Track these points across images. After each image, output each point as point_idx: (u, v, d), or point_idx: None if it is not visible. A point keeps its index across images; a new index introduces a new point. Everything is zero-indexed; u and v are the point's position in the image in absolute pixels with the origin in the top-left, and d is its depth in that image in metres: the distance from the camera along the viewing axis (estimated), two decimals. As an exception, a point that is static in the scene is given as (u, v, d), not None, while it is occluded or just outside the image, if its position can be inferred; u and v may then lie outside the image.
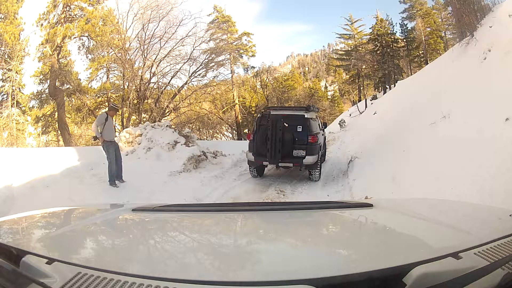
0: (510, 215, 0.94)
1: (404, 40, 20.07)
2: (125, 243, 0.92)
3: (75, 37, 15.69)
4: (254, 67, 20.48)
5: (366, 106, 19.12)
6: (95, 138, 5.38)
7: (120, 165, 5.45)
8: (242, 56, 19.63)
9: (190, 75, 16.26)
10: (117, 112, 6.39)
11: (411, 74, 17.68)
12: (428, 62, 17.49)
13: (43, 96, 16.33)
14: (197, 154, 7.35)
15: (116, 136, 5.44)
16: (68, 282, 0.56)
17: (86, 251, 0.85)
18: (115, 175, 5.31)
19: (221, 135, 19.97)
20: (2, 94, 14.93)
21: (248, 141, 6.66)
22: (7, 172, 5.30)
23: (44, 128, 16.92)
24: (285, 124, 5.91)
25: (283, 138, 5.86)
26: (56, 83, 15.70)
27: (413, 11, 19.40)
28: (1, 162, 5.96)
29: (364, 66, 20.74)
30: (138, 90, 14.90)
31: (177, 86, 16.56)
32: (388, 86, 19.70)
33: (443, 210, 1.24)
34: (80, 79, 16.40)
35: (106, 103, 16.47)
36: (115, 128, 5.31)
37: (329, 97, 24.56)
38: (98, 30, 15.36)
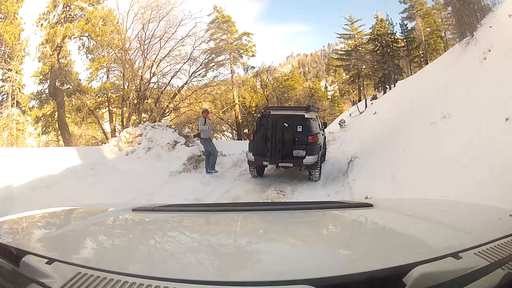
0: (510, 215, 0.94)
1: (404, 40, 20.04)
2: (125, 243, 0.92)
3: (75, 37, 15.70)
4: (254, 67, 20.43)
5: (366, 106, 19.10)
6: (198, 135, 6.71)
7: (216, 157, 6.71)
8: (242, 56, 19.61)
9: (190, 75, 16.27)
10: (208, 114, 7.96)
11: (411, 74, 17.65)
12: (428, 62, 17.47)
13: (43, 96, 16.33)
14: (197, 154, 7.35)
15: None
16: (68, 282, 0.56)
17: (86, 251, 0.85)
18: (213, 165, 6.54)
19: (221, 135, 19.96)
20: (2, 94, 14.94)
21: (248, 141, 6.66)
22: (7, 172, 5.31)
23: (44, 128, 16.92)
24: (285, 124, 5.91)
25: (283, 138, 5.85)
26: (56, 83, 15.69)
27: (413, 11, 19.37)
28: (1, 162, 5.96)
29: (364, 66, 20.72)
30: (138, 90, 14.89)
31: (177, 86, 16.57)
32: (388, 86, 19.69)
33: (443, 210, 1.24)
34: (80, 79, 16.42)
35: (106, 103, 16.51)
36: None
37: (329, 97, 24.49)
38: (98, 30, 15.35)
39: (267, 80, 20.29)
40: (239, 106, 19.64)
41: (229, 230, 1.07)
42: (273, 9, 30.69)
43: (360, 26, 21.16)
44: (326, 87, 25.07)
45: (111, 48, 15.41)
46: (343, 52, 22.38)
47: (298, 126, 6.01)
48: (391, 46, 19.85)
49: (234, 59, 19.11)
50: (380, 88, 20.83)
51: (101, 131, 16.96)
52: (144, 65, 15.09)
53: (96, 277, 0.57)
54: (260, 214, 1.22)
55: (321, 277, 0.57)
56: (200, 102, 16.98)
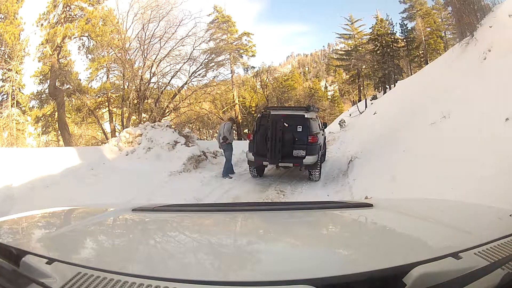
0: (510, 215, 0.94)
1: (404, 40, 20.02)
2: (125, 243, 0.92)
3: (75, 37, 15.68)
4: (254, 67, 20.40)
5: (366, 106, 19.09)
6: (225, 139, 6.68)
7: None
8: (242, 56, 19.59)
9: (190, 75, 16.26)
10: (234, 123, 8.34)
11: (411, 74, 17.64)
12: (428, 62, 17.47)
13: (43, 96, 16.32)
14: (197, 154, 7.35)
15: None
16: (68, 282, 0.56)
17: (86, 251, 0.85)
18: (227, 172, 6.58)
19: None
20: (2, 94, 14.93)
21: (248, 141, 6.66)
22: (7, 172, 5.31)
23: (44, 128, 16.91)
24: (285, 124, 5.91)
25: (283, 138, 5.85)
26: (56, 83, 15.68)
27: (413, 11, 19.36)
28: (1, 162, 5.96)
29: (364, 66, 20.71)
30: (138, 90, 14.89)
31: (177, 86, 16.56)
32: (388, 86, 19.68)
33: (443, 210, 1.23)
34: (80, 79, 16.40)
35: (106, 103, 16.52)
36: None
37: (329, 97, 24.47)
38: (98, 30, 15.34)
39: (267, 80, 20.29)
40: (239, 106, 19.63)
41: (229, 230, 1.06)
42: (273, 9, 30.66)
43: (360, 26, 21.15)
44: (326, 87, 25.06)
45: (111, 48, 15.42)
46: (343, 52, 22.36)
47: (298, 126, 6.01)
48: (391, 46, 19.83)
49: (234, 59, 19.11)
50: (380, 88, 20.82)
51: (101, 131, 16.96)
52: (144, 65, 15.10)
53: (96, 277, 0.57)
54: (260, 214, 1.22)
55: (321, 277, 0.57)
56: (200, 102, 16.98)
